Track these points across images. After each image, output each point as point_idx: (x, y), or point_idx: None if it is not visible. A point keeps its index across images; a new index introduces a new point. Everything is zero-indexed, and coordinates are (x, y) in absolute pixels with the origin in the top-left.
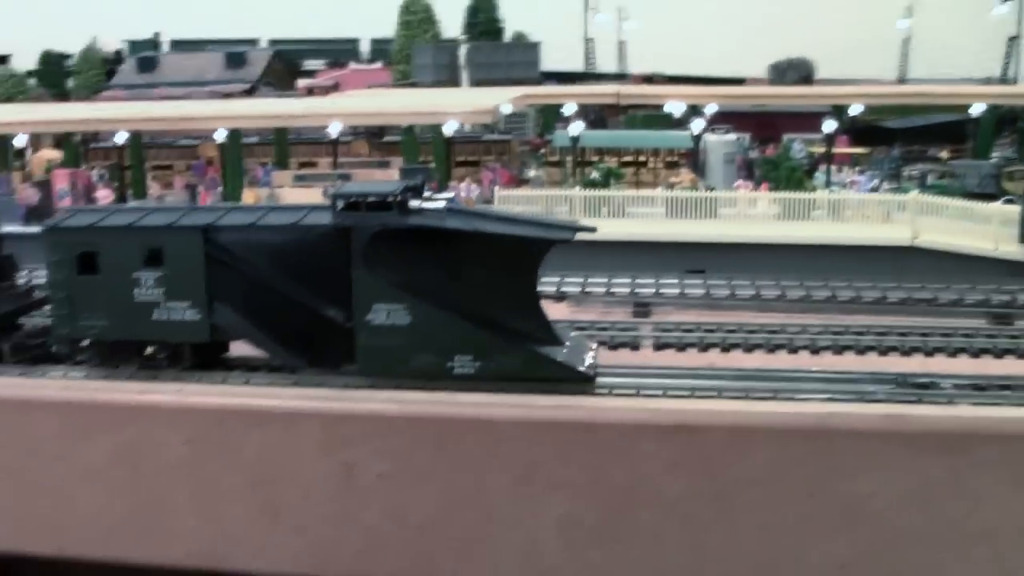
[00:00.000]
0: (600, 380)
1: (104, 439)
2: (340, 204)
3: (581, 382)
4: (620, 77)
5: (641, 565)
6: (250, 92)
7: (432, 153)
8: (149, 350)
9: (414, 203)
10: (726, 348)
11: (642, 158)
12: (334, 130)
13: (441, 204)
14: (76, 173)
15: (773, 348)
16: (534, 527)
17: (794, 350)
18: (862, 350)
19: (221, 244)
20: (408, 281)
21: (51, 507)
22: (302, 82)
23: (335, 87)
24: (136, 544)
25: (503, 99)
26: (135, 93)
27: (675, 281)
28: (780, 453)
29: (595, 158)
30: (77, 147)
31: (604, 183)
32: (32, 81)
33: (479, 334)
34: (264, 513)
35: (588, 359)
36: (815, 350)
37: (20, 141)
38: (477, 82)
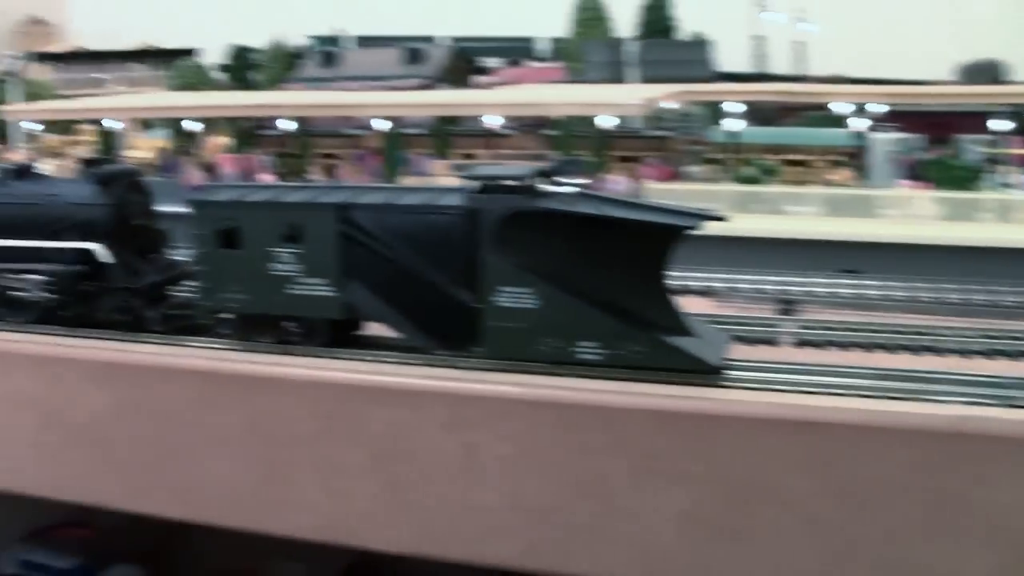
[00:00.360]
0: (731, 374)
1: (237, 409)
2: (471, 186)
3: (708, 373)
4: (798, 79)
5: (760, 565)
6: (426, 88)
7: (589, 147)
8: (286, 325)
9: (545, 187)
10: (869, 348)
11: (805, 156)
12: (491, 122)
13: (572, 189)
14: (241, 158)
15: (919, 350)
16: (653, 519)
17: (941, 353)
18: (1015, 355)
19: (355, 222)
20: (536, 264)
21: (184, 472)
22: (479, 79)
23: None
24: (264, 514)
25: (657, 94)
26: (314, 86)
27: (825, 280)
28: (910, 456)
29: (757, 156)
30: (244, 133)
31: (758, 180)
32: (220, 74)
33: (605, 320)
34: (387, 491)
35: (718, 351)
36: (965, 354)
37: (193, 126)
38: (645, 80)
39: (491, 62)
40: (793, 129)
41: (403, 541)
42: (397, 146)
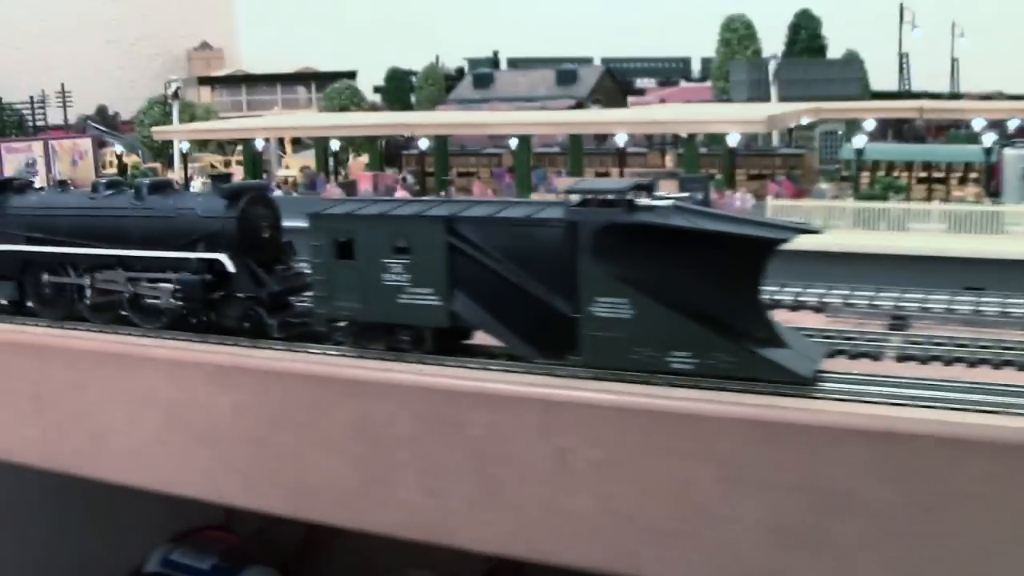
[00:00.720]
0: (825, 385)
1: (345, 412)
2: (571, 200)
3: (797, 384)
4: (955, 96)
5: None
6: (576, 108)
7: (713, 165)
8: (397, 333)
9: (643, 201)
10: (973, 363)
11: (936, 173)
12: (620, 140)
13: (667, 203)
14: (378, 176)
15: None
16: (738, 527)
17: None
18: None
19: (462, 234)
20: (631, 275)
21: (294, 471)
22: (631, 100)
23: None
24: (367, 513)
25: (781, 112)
26: (467, 107)
27: (945, 296)
28: (994, 469)
29: (890, 173)
30: (381, 151)
31: (883, 196)
32: (378, 96)
33: (697, 330)
34: (483, 492)
35: (811, 363)
36: None
37: (335, 145)
38: (788, 99)
39: (647, 82)
40: (917, 146)
41: (496, 541)
42: (527, 163)
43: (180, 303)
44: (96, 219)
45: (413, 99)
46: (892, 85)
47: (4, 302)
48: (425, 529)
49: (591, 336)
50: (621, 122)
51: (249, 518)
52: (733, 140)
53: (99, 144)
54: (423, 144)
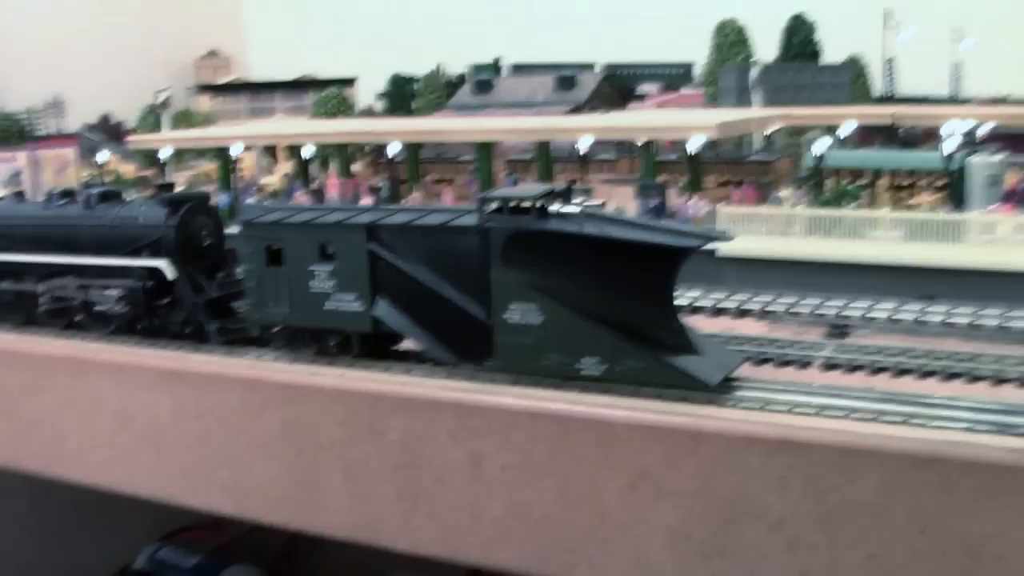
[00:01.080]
0: (735, 393)
1: (276, 416)
2: (485, 207)
3: (703, 391)
4: (953, 100)
5: None
6: (573, 113)
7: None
8: (326, 338)
9: (554, 208)
10: (899, 373)
11: (904, 181)
12: (583, 146)
13: (576, 210)
14: (345, 183)
15: (950, 376)
16: (644, 535)
17: (974, 379)
18: None
19: (383, 241)
20: (541, 282)
21: (231, 472)
22: (632, 105)
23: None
24: (300, 514)
25: (739, 118)
26: (466, 113)
27: (890, 306)
28: (891, 480)
29: (856, 180)
30: (351, 159)
31: (836, 203)
32: (379, 103)
33: (605, 337)
34: (405, 496)
35: (721, 371)
36: (999, 380)
37: (307, 152)
38: (773, 104)
39: (651, 88)
40: (876, 152)
41: (421, 543)
42: (488, 170)
43: (125, 309)
44: (49, 228)
45: (414, 105)
46: (898, 90)
47: None
48: (354, 530)
49: (504, 342)
50: (580, 128)
51: (239, 518)
52: (693, 146)
53: (94, 153)
54: (392, 151)
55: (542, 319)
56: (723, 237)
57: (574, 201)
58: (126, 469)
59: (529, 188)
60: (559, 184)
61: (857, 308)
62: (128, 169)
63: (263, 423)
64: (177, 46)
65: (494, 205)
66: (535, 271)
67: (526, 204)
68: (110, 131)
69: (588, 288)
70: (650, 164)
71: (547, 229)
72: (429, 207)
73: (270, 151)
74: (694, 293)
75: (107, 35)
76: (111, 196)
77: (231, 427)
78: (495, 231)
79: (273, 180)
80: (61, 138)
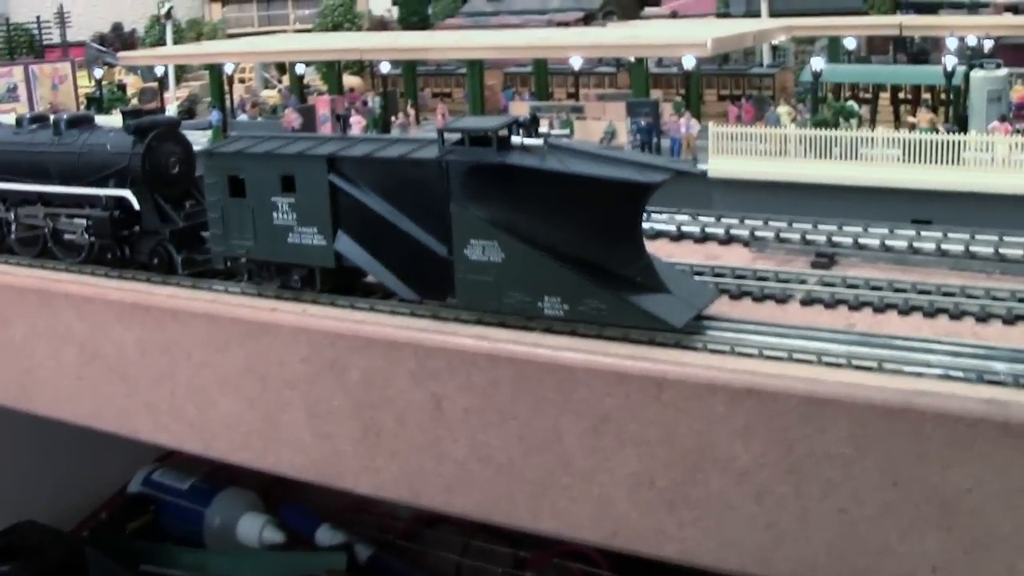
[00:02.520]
0: (705, 335)
1: (239, 351)
2: (445, 139)
3: (668, 332)
4: (974, 7)
5: (713, 536)
6: (585, 21)
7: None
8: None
9: (516, 140)
10: (880, 309)
11: (902, 95)
12: (575, 63)
13: (537, 142)
14: (336, 99)
15: (934, 312)
16: (608, 482)
17: (957, 316)
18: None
19: (343, 173)
20: (502, 218)
21: (196, 409)
22: (648, 11)
23: (672, 16)
24: (264, 453)
25: (736, 32)
26: (475, 21)
27: (882, 231)
28: (861, 432)
29: (855, 95)
30: (340, 73)
31: (834, 123)
32: (394, 10)
33: (567, 276)
34: (367, 436)
35: (691, 310)
36: (982, 318)
37: (300, 69)
38: (779, 14)
39: None
40: (876, 67)
41: (384, 486)
42: (479, 87)
43: (92, 239)
44: (18, 154)
45: (430, 11)
46: None
47: None
48: (318, 471)
49: (465, 280)
50: (572, 46)
51: (207, 456)
52: (688, 63)
53: (101, 64)
54: (384, 68)
55: (503, 256)
56: (688, 171)
57: (540, 132)
58: (94, 403)
59: (492, 119)
60: (524, 114)
61: (847, 234)
62: (134, 81)
63: (227, 358)
64: None
65: (454, 137)
66: (495, 206)
67: (485, 136)
68: (122, 40)
69: (551, 224)
70: (641, 81)
71: (506, 163)
72: (393, 137)
73: (280, 64)
74: (682, 217)
75: None
76: (81, 121)
77: (196, 361)
78: (453, 164)
79: (273, 95)
80: (71, 47)
